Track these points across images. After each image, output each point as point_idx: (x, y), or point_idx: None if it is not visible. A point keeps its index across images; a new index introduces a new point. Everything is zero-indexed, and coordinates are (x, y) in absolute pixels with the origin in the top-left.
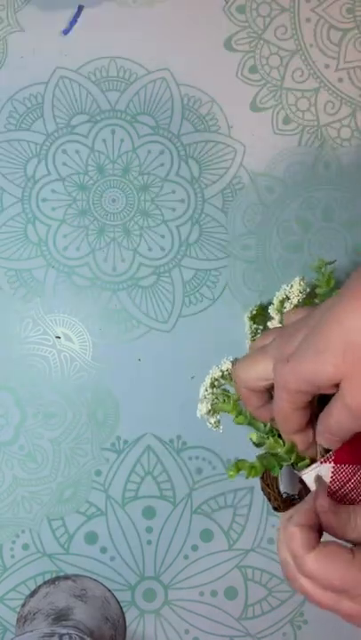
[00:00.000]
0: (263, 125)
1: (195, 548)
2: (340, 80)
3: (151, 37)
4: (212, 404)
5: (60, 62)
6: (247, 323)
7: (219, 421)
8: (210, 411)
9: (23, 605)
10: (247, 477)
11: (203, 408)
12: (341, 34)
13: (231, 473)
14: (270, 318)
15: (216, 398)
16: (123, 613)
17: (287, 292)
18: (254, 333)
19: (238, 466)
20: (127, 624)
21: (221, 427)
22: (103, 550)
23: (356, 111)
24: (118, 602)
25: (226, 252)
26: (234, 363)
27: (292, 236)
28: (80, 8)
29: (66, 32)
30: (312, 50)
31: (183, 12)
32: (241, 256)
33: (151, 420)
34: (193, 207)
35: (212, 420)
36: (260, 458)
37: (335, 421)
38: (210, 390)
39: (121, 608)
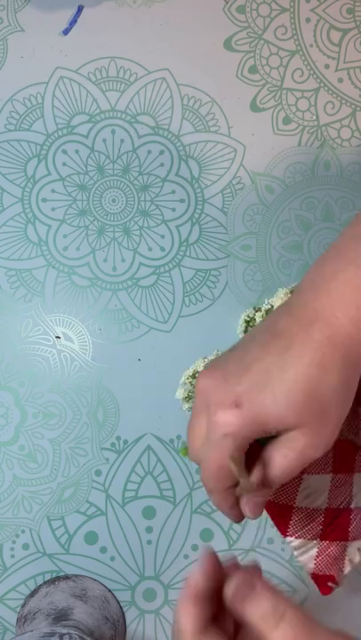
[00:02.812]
0: (263, 125)
1: (195, 547)
2: (340, 80)
3: (151, 37)
4: (188, 392)
5: (60, 62)
6: (241, 326)
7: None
8: (186, 397)
9: (23, 605)
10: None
11: (180, 393)
12: (341, 34)
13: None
14: None
15: (194, 388)
16: (123, 613)
17: (272, 302)
18: None
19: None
20: (127, 624)
21: None
22: (103, 550)
23: (356, 111)
24: (118, 602)
25: (226, 251)
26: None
27: (292, 235)
28: (80, 8)
29: (66, 32)
30: (312, 50)
31: (183, 12)
32: (241, 256)
33: (151, 419)
34: (193, 207)
35: (186, 406)
36: None
37: (281, 466)
38: (190, 379)
39: (121, 608)
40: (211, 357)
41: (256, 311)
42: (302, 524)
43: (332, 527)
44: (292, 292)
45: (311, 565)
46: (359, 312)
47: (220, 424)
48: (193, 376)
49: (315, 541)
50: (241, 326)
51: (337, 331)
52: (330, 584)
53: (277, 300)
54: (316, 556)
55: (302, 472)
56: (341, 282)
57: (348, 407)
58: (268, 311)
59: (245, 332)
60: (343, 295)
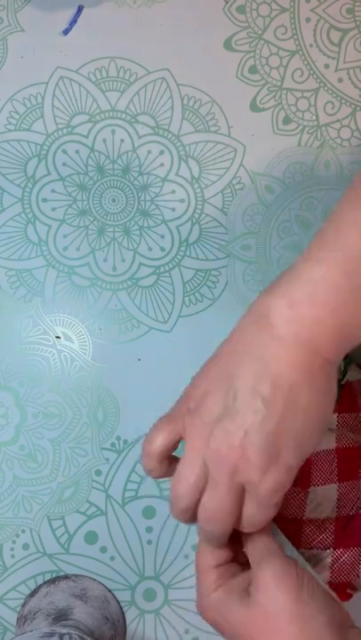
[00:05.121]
0: (263, 125)
1: (195, 547)
2: (340, 80)
3: (151, 37)
4: None
5: (60, 62)
6: None
7: None
8: None
9: (23, 605)
10: None
11: None
12: (341, 34)
13: None
14: None
15: None
16: (123, 613)
17: None
18: None
19: None
20: (127, 624)
21: None
22: (103, 550)
23: (356, 111)
24: (118, 602)
25: (226, 251)
26: None
27: (292, 235)
28: (80, 8)
29: (66, 32)
30: (312, 50)
31: (183, 11)
32: (241, 256)
33: (151, 420)
34: (193, 207)
35: None
36: None
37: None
38: None
39: (121, 608)
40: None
41: None
42: (314, 536)
43: (345, 534)
44: None
45: (327, 574)
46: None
47: (271, 490)
48: None
49: (328, 550)
50: None
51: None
52: (348, 590)
53: None
54: (331, 565)
55: (308, 485)
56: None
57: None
58: None
59: None
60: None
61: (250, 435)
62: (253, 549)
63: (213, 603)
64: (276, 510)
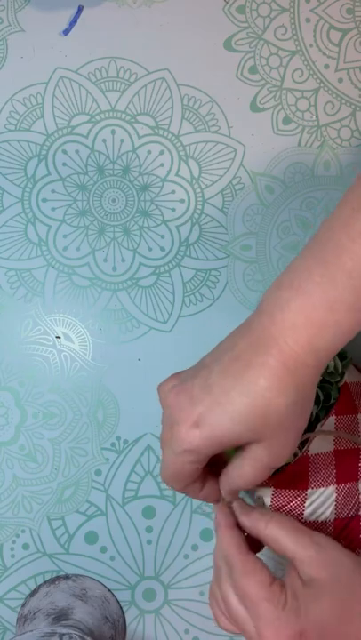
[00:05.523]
0: (263, 125)
1: (195, 547)
2: (340, 80)
3: (151, 37)
4: None
5: (60, 62)
6: None
7: None
8: None
9: (23, 605)
10: None
11: None
12: (341, 34)
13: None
14: None
15: None
16: (123, 613)
17: None
18: None
19: None
20: (127, 624)
21: None
22: (103, 550)
23: (355, 111)
24: (118, 601)
25: (226, 251)
26: None
27: (292, 235)
28: (80, 8)
29: (66, 32)
30: (312, 50)
31: (183, 12)
32: (241, 256)
33: (151, 420)
34: (193, 207)
35: None
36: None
37: (249, 477)
38: None
39: (121, 608)
40: None
41: None
42: None
43: (343, 536)
44: None
45: None
46: (310, 341)
47: (180, 440)
48: None
49: None
50: None
51: (290, 357)
52: None
53: None
54: None
55: (306, 487)
56: (293, 311)
57: (305, 421)
58: None
59: None
60: (295, 324)
61: (195, 386)
62: (288, 542)
63: (286, 620)
64: (186, 463)
